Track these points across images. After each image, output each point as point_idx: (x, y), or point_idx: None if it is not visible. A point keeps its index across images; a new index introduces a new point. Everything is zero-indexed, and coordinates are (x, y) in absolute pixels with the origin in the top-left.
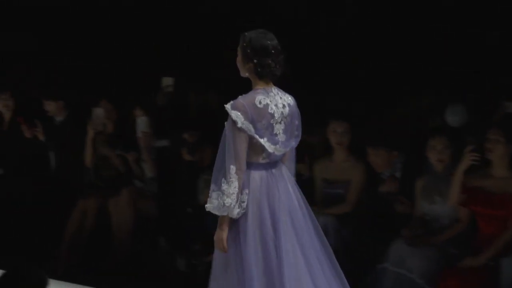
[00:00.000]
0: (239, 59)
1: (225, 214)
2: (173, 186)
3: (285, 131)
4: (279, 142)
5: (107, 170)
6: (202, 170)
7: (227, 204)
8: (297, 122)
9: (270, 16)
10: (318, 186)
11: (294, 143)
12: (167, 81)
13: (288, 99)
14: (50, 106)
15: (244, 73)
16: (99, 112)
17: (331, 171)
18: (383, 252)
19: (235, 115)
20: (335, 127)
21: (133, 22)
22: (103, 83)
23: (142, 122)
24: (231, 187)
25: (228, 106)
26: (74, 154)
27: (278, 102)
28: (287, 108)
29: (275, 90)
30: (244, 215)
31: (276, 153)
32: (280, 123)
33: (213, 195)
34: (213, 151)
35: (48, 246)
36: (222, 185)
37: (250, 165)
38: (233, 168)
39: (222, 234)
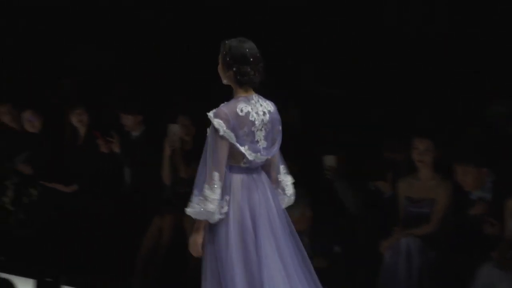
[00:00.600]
0: (219, 66)
1: (205, 219)
2: None
3: (266, 138)
4: (261, 150)
5: (184, 187)
6: None
7: (209, 210)
8: (278, 127)
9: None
10: (402, 205)
11: (275, 149)
12: None
13: (269, 106)
14: (128, 120)
15: (225, 81)
16: (175, 128)
17: (416, 190)
18: (471, 276)
19: (218, 123)
20: (417, 144)
21: (211, 38)
22: (181, 98)
23: None
24: (214, 193)
25: (210, 114)
26: (149, 170)
27: (259, 109)
28: (267, 115)
29: (256, 98)
30: (226, 218)
31: (257, 160)
32: (261, 130)
33: (195, 199)
34: (289, 163)
35: (124, 263)
36: (205, 190)
37: (231, 169)
38: (216, 175)
39: (198, 239)
